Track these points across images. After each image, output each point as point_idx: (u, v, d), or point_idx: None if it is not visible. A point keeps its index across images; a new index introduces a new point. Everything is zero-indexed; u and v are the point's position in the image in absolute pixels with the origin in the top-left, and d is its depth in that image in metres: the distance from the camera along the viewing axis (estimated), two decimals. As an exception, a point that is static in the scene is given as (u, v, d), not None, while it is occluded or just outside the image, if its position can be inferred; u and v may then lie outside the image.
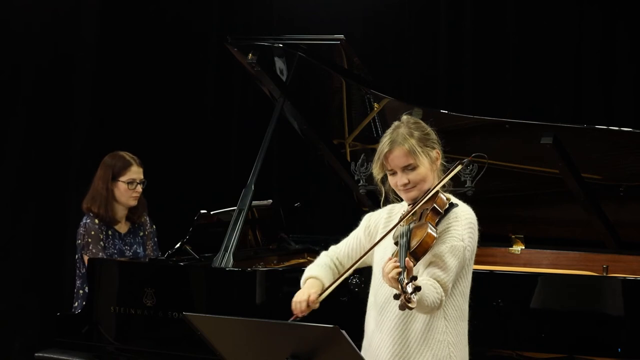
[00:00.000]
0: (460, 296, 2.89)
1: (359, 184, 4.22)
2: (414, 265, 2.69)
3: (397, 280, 2.61)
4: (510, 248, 4.60)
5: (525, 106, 5.74)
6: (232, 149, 6.33)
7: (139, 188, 4.62)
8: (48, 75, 6.07)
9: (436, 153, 2.94)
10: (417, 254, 2.73)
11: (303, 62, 4.50)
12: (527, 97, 5.83)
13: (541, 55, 5.86)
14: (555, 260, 4.50)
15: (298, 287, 2.99)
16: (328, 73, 4.71)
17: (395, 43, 6.12)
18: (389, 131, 2.96)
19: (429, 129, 2.98)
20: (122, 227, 4.66)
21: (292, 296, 2.94)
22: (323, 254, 3.13)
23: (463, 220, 2.86)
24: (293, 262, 4.74)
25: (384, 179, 3.00)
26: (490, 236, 4.60)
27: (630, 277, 3.92)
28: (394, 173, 2.92)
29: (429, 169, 2.91)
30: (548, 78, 5.86)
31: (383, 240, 2.92)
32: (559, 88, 5.85)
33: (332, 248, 3.14)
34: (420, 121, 3.00)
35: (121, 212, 4.63)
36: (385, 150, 2.91)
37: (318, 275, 3.03)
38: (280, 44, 4.53)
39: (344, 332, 2.51)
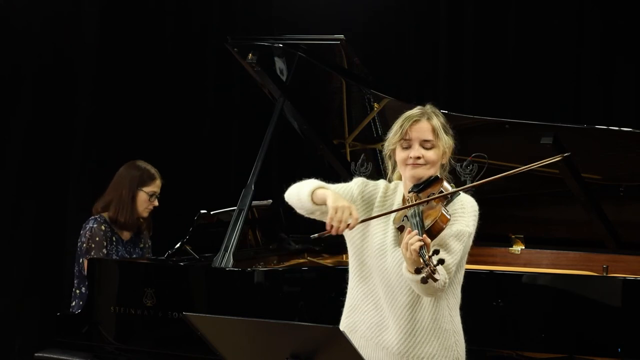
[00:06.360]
0: (458, 285, 2.93)
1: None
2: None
3: (418, 254, 2.61)
4: (510, 248, 4.60)
5: (525, 106, 5.74)
6: (232, 149, 6.32)
7: (156, 202, 4.66)
8: (48, 76, 6.07)
9: (450, 146, 2.94)
10: (431, 233, 2.71)
11: (303, 62, 4.50)
12: (527, 97, 5.83)
13: (541, 55, 5.85)
14: (555, 260, 4.50)
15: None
16: (328, 73, 4.71)
17: (395, 43, 6.12)
18: (414, 109, 2.94)
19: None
20: (126, 235, 4.67)
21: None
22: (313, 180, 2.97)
23: (469, 208, 2.89)
24: (293, 262, 4.73)
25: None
26: (490, 236, 4.62)
27: (630, 277, 3.92)
28: (408, 147, 2.90)
29: (439, 156, 2.92)
30: (548, 78, 5.85)
31: (380, 226, 2.92)
32: (559, 88, 5.85)
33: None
34: None
35: (134, 220, 4.65)
36: (414, 118, 2.89)
37: (331, 188, 2.89)
38: (280, 44, 4.52)
39: (344, 332, 2.51)
